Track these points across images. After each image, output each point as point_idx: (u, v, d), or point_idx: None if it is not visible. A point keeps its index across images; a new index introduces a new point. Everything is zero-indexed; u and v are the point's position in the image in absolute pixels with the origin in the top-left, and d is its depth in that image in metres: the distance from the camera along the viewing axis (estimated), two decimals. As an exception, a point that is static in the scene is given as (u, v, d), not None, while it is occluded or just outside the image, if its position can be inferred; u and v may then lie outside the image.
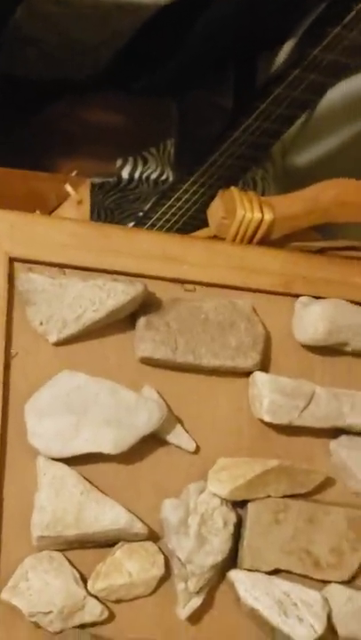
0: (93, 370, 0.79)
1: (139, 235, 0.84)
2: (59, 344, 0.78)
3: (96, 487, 0.76)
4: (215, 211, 0.88)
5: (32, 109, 1.42)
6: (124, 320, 0.80)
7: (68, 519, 0.73)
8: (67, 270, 0.80)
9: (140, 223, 1.36)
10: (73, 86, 1.45)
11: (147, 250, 0.82)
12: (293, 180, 1.42)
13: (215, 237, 0.88)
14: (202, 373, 0.82)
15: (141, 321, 0.80)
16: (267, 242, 0.86)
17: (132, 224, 1.40)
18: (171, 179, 1.32)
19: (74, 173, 1.20)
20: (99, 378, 0.78)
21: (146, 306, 0.81)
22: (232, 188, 0.88)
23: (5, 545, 0.73)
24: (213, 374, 0.82)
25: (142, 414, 0.77)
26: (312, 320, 0.83)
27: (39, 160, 1.29)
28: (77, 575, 0.73)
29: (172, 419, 0.80)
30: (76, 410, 0.75)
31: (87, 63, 1.47)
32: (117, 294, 0.78)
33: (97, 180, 1.28)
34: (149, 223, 1.35)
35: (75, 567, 0.74)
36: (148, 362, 0.80)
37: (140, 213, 1.38)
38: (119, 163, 1.30)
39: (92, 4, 1.24)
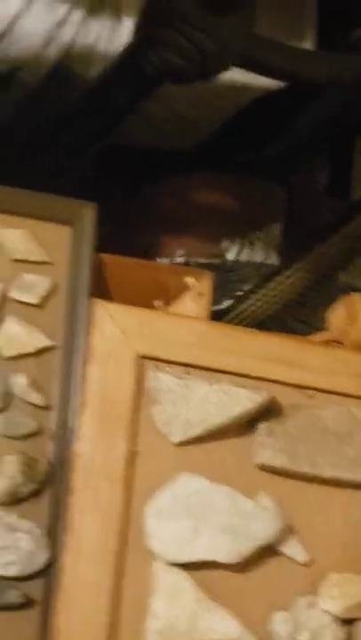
0: (211, 472, 0.79)
1: (259, 337, 0.85)
2: (181, 445, 0.78)
3: (209, 595, 0.75)
4: (337, 315, 0.88)
5: (136, 186, 1.44)
6: (244, 424, 0.80)
7: (180, 628, 0.73)
8: (190, 370, 0.80)
9: (237, 303, 1.37)
10: (175, 160, 1.47)
11: (267, 353, 0.82)
12: None
13: (333, 342, 0.88)
14: (319, 483, 0.81)
15: (262, 427, 0.80)
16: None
17: (229, 302, 1.40)
18: (276, 263, 1.32)
19: (180, 253, 1.22)
20: (217, 483, 0.78)
21: (267, 411, 0.81)
22: (355, 294, 0.88)
23: (119, 649, 0.73)
24: (330, 485, 0.82)
25: (259, 524, 0.76)
26: None
27: (144, 239, 1.31)
28: None
29: (287, 528, 0.79)
30: (194, 514, 0.76)
31: (190, 137, 1.49)
32: (243, 401, 0.78)
33: (202, 261, 1.30)
34: (248, 304, 1.36)
35: None
36: (265, 468, 0.80)
37: (240, 293, 1.39)
38: (225, 244, 1.31)
39: (208, 84, 1.26)
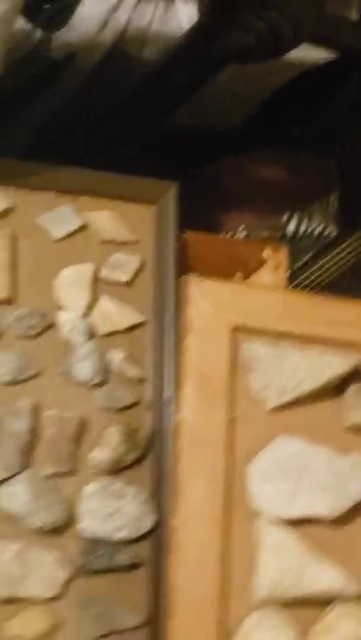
0: (306, 435, 0.83)
1: (345, 305, 0.88)
2: (275, 410, 0.82)
3: (312, 549, 0.79)
4: None
5: (192, 168, 1.47)
6: (334, 387, 0.84)
7: (289, 580, 0.77)
8: (280, 339, 0.84)
9: (298, 274, 1.40)
10: (226, 139, 1.50)
11: (354, 319, 0.86)
12: None
13: None
14: None
15: (352, 389, 0.84)
16: None
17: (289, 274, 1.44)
18: (334, 233, 1.35)
19: (241, 228, 1.26)
20: (313, 444, 0.81)
21: (356, 373, 0.84)
22: None
23: (230, 603, 0.77)
24: None
25: (356, 481, 0.80)
26: None
27: (206, 218, 1.34)
28: (297, 633, 0.77)
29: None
30: (294, 475, 0.79)
31: (238, 115, 1.51)
32: (333, 366, 0.81)
33: (263, 235, 1.33)
34: (307, 275, 1.39)
35: (293, 625, 0.77)
36: (357, 429, 0.84)
37: (298, 265, 1.42)
38: (285, 217, 1.34)
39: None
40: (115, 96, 1.35)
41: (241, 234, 1.30)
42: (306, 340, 0.84)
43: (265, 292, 0.85)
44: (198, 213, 1.31)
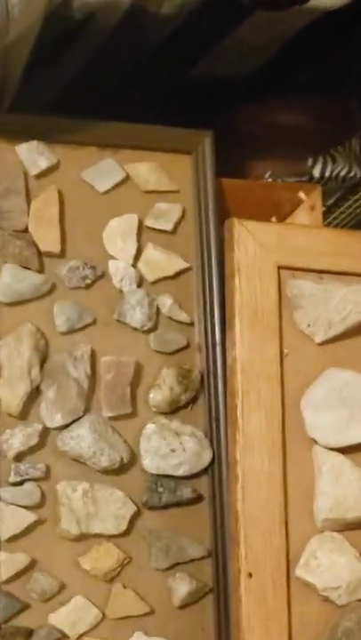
0: (354, 366, 0.86)
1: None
2: (323, 343, 0.86)
3: (367, 474, 0.83)
4: None
5: (213, 116, 1.48)
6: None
7: (348, 503, 0.81)
8: (324, 275, 0.87)
9: (325, 217, 1.42)
10: (243, 86, 1.51)
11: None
12: None
13: None
14: None
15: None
16: None
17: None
18: (359, 175, 1.37)
19: (267, 175, 1.28)
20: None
21: None
22: None
23: (292, 527, 0.81)
24: None
25: None
26: None
27: (228, 165, 1.36)
28: (357, 553, 0.81)
29: None
30: (348, 403, 0.83)
31: (253, 62, 1.52)
32: (379, 297, 0.84)
33: (290, 180, 1.34)
34: (332, 217, 1.42)
35: (354, 546, 0.81)
36: None
37: (325, 208, 1.44)
38: (310, 162, 1.35)
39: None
40: (136, 54, 1.36)
41: (267, 180, 1.32)
42: (349, 275, 0.87)
43: (308, 231, 0.88)
44: (222, 163, 1.33)
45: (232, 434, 0.82)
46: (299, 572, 0.80)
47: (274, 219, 1.00)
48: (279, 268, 0.85)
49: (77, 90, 1.33)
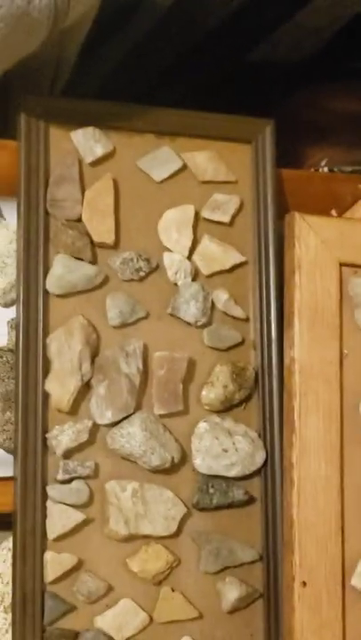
0: None
1: None
2: (385, 344, 0.82)
3: None
4: None
5: (269, 101, 1.45)
6: None
7: None
8: (386, 273, 0.84)
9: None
10: (300, 71, 1.47)
11: None
12: None
13: None
14: None
15: None
16: None
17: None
18: None
19: (324, 162, 1.24)
20: None
21: None
22: None
23: (348, 535, 0.78)
24: None
25: None
26: None
27: (283, 149, 1.33)
28: None
29: None
30: None
31: (309, 47, 1.48)
32: None
33: (347, 169, 1.31)
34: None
35: None
36: None
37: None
38: (367, 151, 1.32)
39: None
40: (193, 34, 1.33)
41: (323, 169, 1.28)
42: None
43: (371, 228, 0.84)
44: (278, 149, 1.29)
45: (288, 436, 0.79)
46: (354, 581, 0.77)
47: (334, 211, 0.96)
48: (341, 265, 0.82)
49: (127, 75, 1.31)
